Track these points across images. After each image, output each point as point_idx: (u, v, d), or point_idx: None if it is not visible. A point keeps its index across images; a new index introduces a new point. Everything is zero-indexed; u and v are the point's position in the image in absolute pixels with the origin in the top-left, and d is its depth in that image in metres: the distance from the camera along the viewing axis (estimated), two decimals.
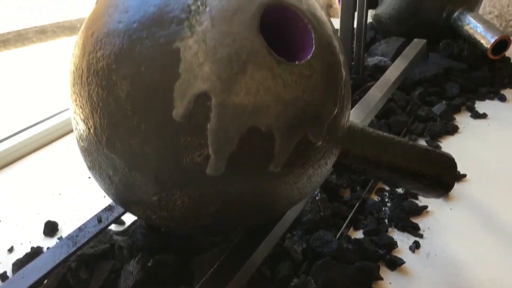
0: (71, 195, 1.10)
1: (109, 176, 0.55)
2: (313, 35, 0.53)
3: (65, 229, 0.98)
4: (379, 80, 1.14)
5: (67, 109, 1.39)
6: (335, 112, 0.56)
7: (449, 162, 0.74)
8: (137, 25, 0.49)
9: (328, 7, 2.32)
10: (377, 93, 1.05)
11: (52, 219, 1.00)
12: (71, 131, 1.38)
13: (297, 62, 0.50)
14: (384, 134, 0.73)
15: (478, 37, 1.50)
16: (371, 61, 1.50)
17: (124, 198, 0.58)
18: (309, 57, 0.52)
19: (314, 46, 0.52)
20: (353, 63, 1.44)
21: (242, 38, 0.48)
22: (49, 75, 1.90)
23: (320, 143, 0.55)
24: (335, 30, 0.60)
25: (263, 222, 0.64)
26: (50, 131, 1.31)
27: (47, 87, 1.75)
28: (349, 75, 0.61)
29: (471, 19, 1.52)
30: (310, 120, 0.52)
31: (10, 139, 1.25)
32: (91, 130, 0.53)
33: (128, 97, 0.49)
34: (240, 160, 0.50)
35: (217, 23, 0.48)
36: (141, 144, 0.50)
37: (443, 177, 0.74)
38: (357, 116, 0.97)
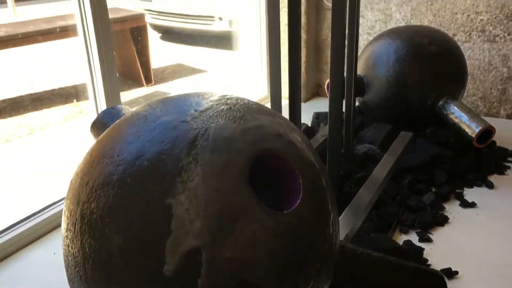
0: None
1: None
2: (300, 181, 0.55)
3: None
4: (368, 178, 1.16)
5: (57, 202, 1.38)
6: (324, 253, 0.57)
7: (439, 281, 0.75)
8: (131, 180, 0.51)
9: (317, 86, 2.40)
10: (366, 194, 1.07)
11: None
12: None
13: (285, 211, 0.52)
14: (374, 254, 0.73)
15: (463, 126, 1.54)
16: (360, 149, 1.53)
17: None
18: (297, 204, 0.53)
19: (302, 192, 0.54)
20: (343, 150, 1.47)
21: (232, 193, 0.50)
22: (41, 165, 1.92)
23: (310, 285, 0.55)
24: (322, 167, 0.62)
25: None
26: (39, 226, 1.29)
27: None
28: (337, 211, 0.63)
29: (455, 108, 1.57)
30: (299, 266, 0.53)
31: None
32: (82, 279, 0.53)
33: (120, 252, 0.50)
34: None
35: (208, 178, 0.50)
36: None
37: None
38: (348, 220, 0.98)
